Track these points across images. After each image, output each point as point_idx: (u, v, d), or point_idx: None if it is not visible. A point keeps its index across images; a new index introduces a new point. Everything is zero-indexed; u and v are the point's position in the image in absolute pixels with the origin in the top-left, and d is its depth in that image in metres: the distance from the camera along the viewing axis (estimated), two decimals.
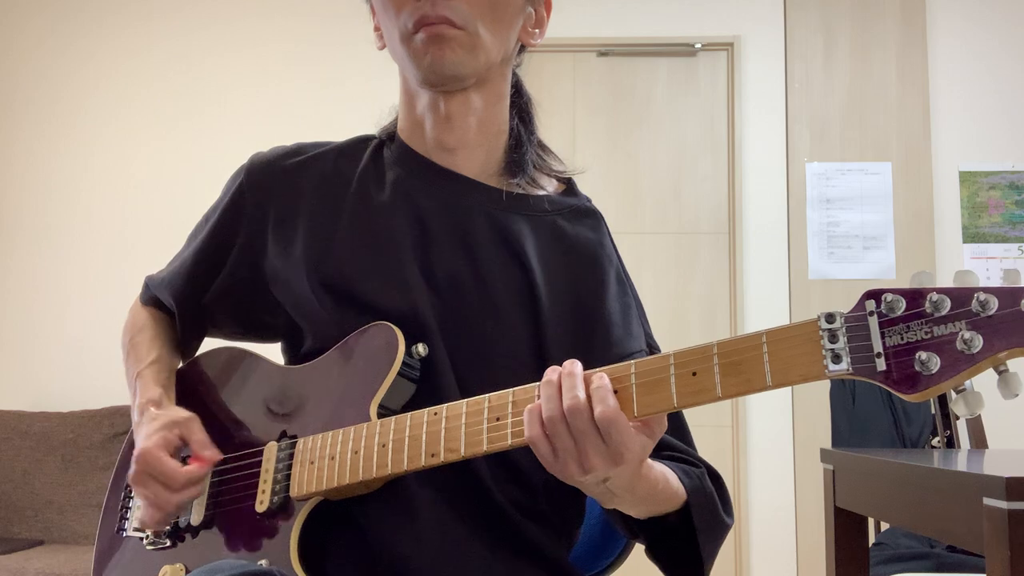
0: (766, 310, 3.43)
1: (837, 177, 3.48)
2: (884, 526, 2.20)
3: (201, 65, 3.61)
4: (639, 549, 1.15)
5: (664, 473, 0.89)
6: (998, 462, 1.24)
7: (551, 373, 0.79)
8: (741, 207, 3.48)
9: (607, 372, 0.79)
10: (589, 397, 0.76)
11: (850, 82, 3.52)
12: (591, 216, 1.09)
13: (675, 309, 3.46)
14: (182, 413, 1.01)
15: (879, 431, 2.46)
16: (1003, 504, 0.86)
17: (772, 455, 3.36)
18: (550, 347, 0.98)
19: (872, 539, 2.05)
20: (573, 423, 0.76)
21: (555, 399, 0.77)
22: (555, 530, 1.02)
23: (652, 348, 1.07)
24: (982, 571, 1.50)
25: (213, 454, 0.99)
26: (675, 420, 1.02)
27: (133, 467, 0.97)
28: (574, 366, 0.79)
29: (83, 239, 3.56)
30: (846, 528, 1.39)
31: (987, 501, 0.88)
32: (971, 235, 3.44)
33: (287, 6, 3.63)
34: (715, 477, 0.99)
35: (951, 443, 1.84)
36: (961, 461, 1.25)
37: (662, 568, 0.99)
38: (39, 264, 3.56)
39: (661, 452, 0.96)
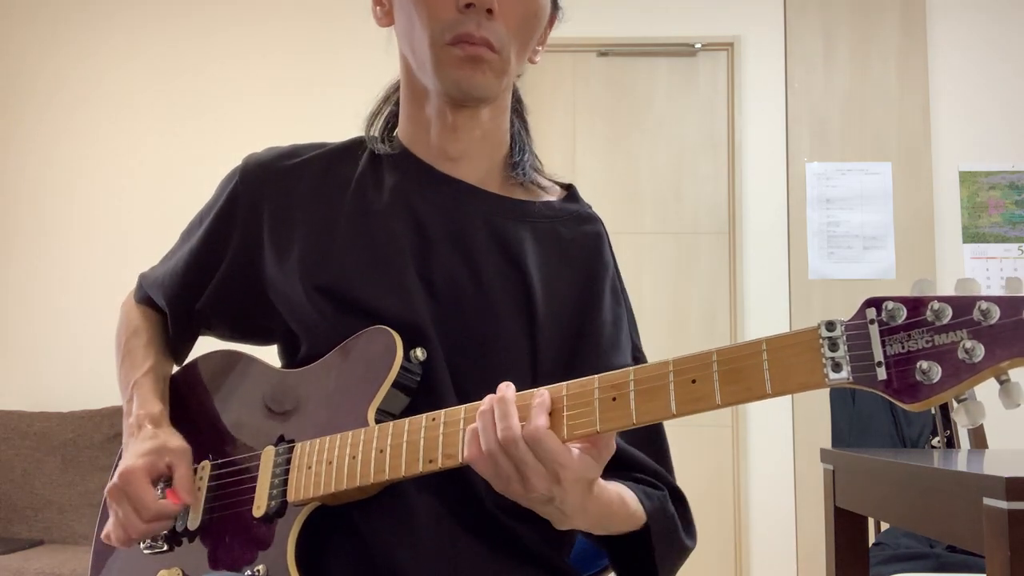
0: (766, 310, 3.43)
1: (837, 177, 3.48)
2: (884, 526, 2.19)
3: (201, 66, 3.61)
4: None
5: (620, 494, 0.89)
6: (998, 462, 1.24)
7: (486, 402, 0.79)
8: (741, 207, 3.48)
9: (612, 376, 0.78)
10: (525, 420, 0.77)
11: (850, 82, 3.52)
12: (591, 223, 1.09)
13: (675, 309, 3.46)
14: (177, 442, 1.01)
15: (879, 431, 2.46)
16: (1003, 504, 0.86)
17: (772, 455, 3.35)
18: (541, 354, 0.97)
19: (872, 539, 2.05)
20: (510, 452, 0.76)
21: (490, 431, 0.77)
22: (554, 534, 1.01)
23: (638, 361, 1.06)
24: (982, 571, 1.50)
25: (189, 497, 0.98)
26: (653, 437, 1.02)
27: (115, 479, 0.96)
28: (506, 391, 0.79)
29: (83, 239, 3.56)
30: (846, 528, 1.39)
31: (987, 501, 0.88)
32: (971, 235, 3.44)
33: (289, 6, 3.63)
34: (679, 499, 0.99)
35: (951, 443, 1.83)
36: (961, 461, 1.25)
37: None
38: (39, 264, 3.56)
39: (632, 472, 0.96)
